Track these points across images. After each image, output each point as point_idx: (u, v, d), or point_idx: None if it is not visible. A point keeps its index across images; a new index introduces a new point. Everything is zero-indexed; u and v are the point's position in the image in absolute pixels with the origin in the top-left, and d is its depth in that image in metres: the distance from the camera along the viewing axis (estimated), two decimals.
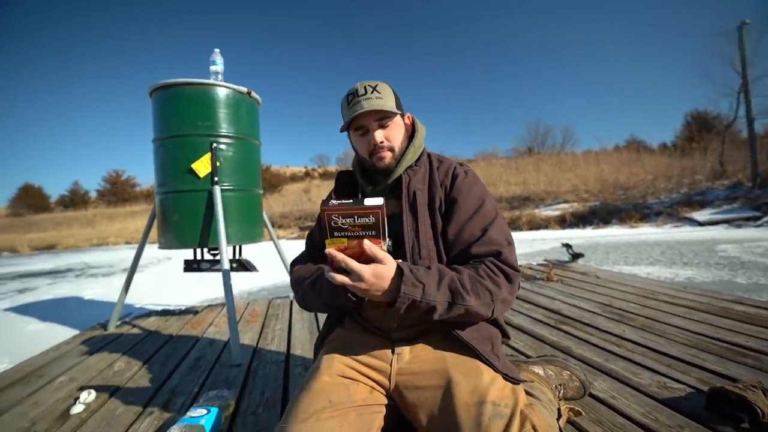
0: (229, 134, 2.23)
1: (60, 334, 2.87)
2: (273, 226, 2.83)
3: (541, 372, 1.16)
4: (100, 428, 1.27)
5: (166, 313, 2.90)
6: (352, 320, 1.05)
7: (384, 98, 0.96)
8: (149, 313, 2.91)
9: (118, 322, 2.60)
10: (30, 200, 35.25)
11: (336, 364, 0.91)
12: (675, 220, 9.48)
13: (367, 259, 0.77)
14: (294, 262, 1.13)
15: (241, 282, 4.95)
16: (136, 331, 2.45)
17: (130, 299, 3.87)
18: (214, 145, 2.17)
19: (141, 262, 3.66)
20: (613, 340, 1.73)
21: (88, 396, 1.47)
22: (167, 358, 1.92)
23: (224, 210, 2.13)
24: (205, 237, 2.18)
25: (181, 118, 2.18)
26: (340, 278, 0.76)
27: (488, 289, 0.84)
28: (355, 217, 0.74)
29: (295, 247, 5.20)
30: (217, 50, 2.30)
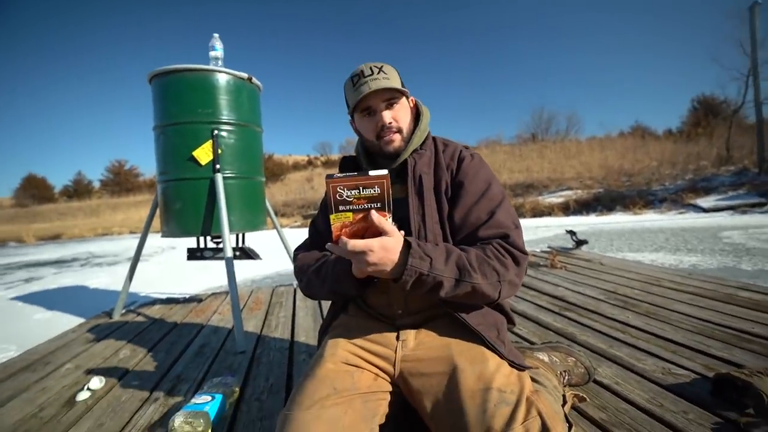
0: (231, 121, 2.21)
1: (66, 322, 2.90)
2: (276, 214, 2.82)
3: (545, 358, 1.15)
4: (106, 414, 1.28)
5: (170, 301, 2.92)
6: (356, 307, 1.04)
7: (391, 78, 0.93)
8: (154, 302, 2.94)
9: (123, 311, 2.62)
10: (34, 191, 35.40)
11: (340, 351, 0.90)
12: (679, 207, 9.41)
13: (374, 233, 0.76)
14: (297, 250, 1.12)
15: (244, 270, 4.97)
16: (140, 319, 2.46)
17: (134, 288, 3.90)
18: (215, 132, 2.14)
19: (145, 251, 3.67)
20: (618, 327, 1.72)
21: (98, 383, 1.48)
22: (172, 345, 1.93)
23: (227, 198, 2.12)
24: (208, 225, 2.18)
25: (181, 105, 2.15)
26: (352, 242, 0.73)
27: (495, 270, 0.83)
28: (361, 188, 0.72)
29: (298, 235, 5.21)
30: (216, 35, 2.26)
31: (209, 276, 4.76)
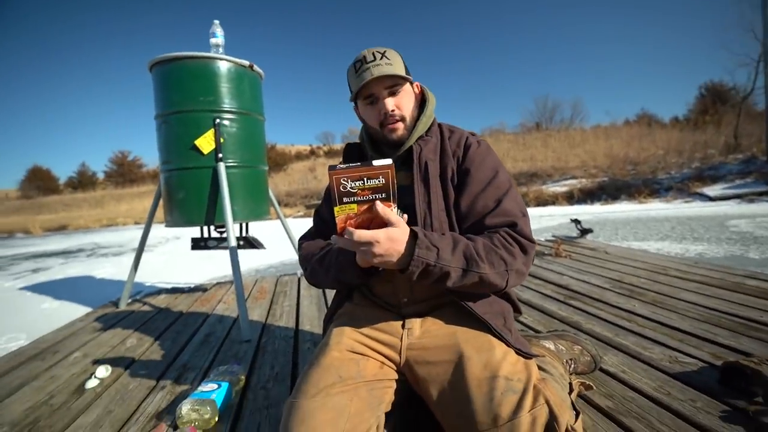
0: (233, 109, 2.19)
1: (73, 311, 2.92)
2: (279, 204, 2.81)
3: (551, 347, 1.15)
4: (114, 402, 1.29)
5: (175, 290, 2.94)
6: (361, 295, 1.04)
7: (393, 64, 0.91)
8: (159, 291, 2.96)
9: (129, 300, 2.64)
10: (39, 182, 35.61)
11: (345, 339, 0.90)
12: (685, 196, 9.33)
13: (379, 224, 0.74)
14: (302, 239, 1.11)
15: (248, 260, 4.99)
16: (146, 308, 2.48)
17: (140, 278, 3.92)
18: (218, 120, 2.12)
19: (150, 241, 3.69)
20: (624, 315, 1.71)
21: (106, 372, 1.49)
22: (178, 334, 1.94)
23: (229, 187, 2.11)
24: (211, 214, 2.17)
25: (182, 93, 2.13)
26: (358, 233, 0.72)
27: (503, 259, 0.82)
28: (365, 179, 0.71)
29: (302, 225, 5.21)
30: (216, 22, 2.22)
31: (213, 265, 4.78)
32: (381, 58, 0.90)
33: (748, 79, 12.14)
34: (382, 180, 0.72)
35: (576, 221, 4.08)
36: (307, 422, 0.72)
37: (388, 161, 0.71)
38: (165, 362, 1.60)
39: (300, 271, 3.32)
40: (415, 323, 0.92)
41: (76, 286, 4.20)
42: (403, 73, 0.92)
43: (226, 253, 2.09)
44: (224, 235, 2.50)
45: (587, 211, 8.62)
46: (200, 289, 2.92)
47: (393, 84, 0.91)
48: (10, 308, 3.44)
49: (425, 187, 0.92)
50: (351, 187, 0.72)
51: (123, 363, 1.62)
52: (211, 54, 2.14)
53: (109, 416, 1.21)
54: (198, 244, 2.59)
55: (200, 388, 1.20)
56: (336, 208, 0.73)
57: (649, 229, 5.54)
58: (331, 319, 1.06)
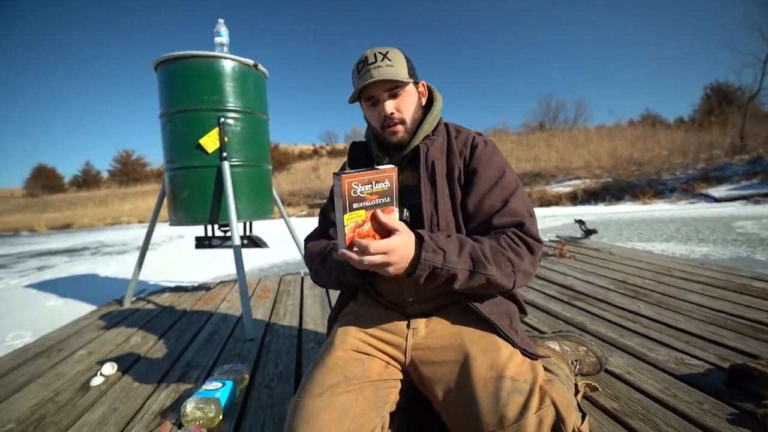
0: (237, 108, 2.19)
1: (78, 309, 2.94)
2: (282, 203, 2.81)
3: (557, 347, 1.14)
4: (119, 399, 1.30)
5: (179, 289, 2.95)
6: (366, 295, 1.03)
7: (395, 66, 0.90)
8: (163, 290, 2.97)
9: (133, 298, 2.65)
10: (44, 181, 35.81)
11: (350, 339, 0.90)
12: (690, 197, 9.27)
13: (384, 232, 0.74)
14: (307, 239, 1.11)
15: (252, 259, 5.00)
16: (150, 306, 2.49)
17: (144, 276, 3.94)
18: (222, 119, 2.13)
19: (154, 240, 3.71)
20: (629, 317, 1.70)
21: (111, 369, 1.50)
22: (182, 332, 1.95)
23: (234, 186, 2.11)
24: (216, 213, 2.18)
25: (187, 92, 2.14)
26: (369, 259, 0.71)
27: (510, 260, 0.82)
28: (373, 183, 0.71)
29: (305, 224, 5.22)
30: (221, 21, 2.23)
31: (217, 264, 4.80)
32: (382, 60, 0.89)
33: (754, 80, 12.08)
34: (387, 183, 0.72)
35: (580, 222, 4.06)
36: (312, 422, 0.72)
37: (391, 165, 0.72)
38: (169, 360, 1.61)
39: (303, 270, 3.32)
40: (420, 323, 0.92)
41: (80, 284, 4.23)
42: (404, 74, 0.91)
43: (230, 252, 2.10)
44: (228, 234, 2.51)
45: (591, 212, 8.58)
46: (204, 287, 2.93)
47: (393, 86, 0.90)
48: (16, 306, 3.47)
49: (432, 187, 0.92)
50: (361, 192, 0.71)
51: (127, 361, 1.62)
52: (216, 53, 2.15)
53: (114, 414, 1.21)
54: (202, 242, 2.60)
55: (204, 387, 1.20)
56: (346, 216, 0.70)
57: (653, 230, 5.50)
58: (335, 319, 1.05)
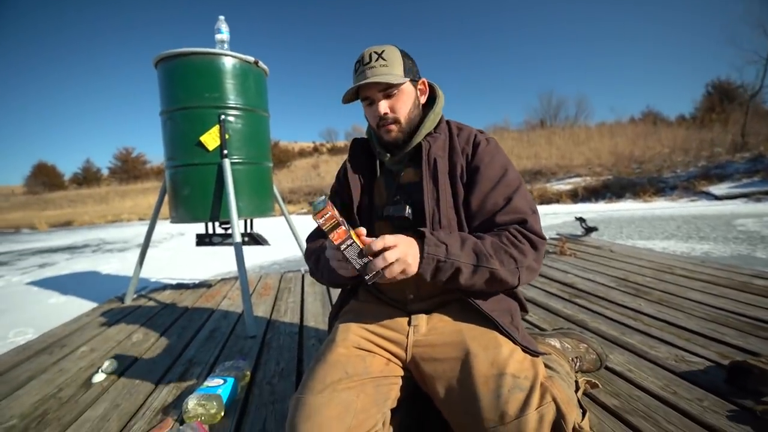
0: (237, 105, 2.19)
1: (79, 306, 2.95)
2: (283, 201, 2.81)
3: (557, 345, 1.14)
4: (121, 396, 1.30)
5: (180, 286, 2.95)
6: (367, 292, 1.04)
7: (390, 65, 0.90)
8: (164, 287, 2.97)
9: (135, 296, 2.65)
10: (45, 178, 35.84)
11: (351, 335, 0.90)
12: (691, 194, 9.26)
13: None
14: (309, 238, 1.13)
15: (253, 256, 5.01)
16: (152, 303, 2.50)
17: (145, 273, 3.95)
18: (222, 117, 2.12)
19: (155, 237, 3.71)
20: (629, 314, 1.71)
21: (110, 365, 1.51)
22: (183, 329, 1.96)
23: (234, 183, 2.11)
24: (216, 211, 2.18)
25: (187, 89, 2.13)
26: (390, 272, 0.73)
27: (512, 256, 0.82)
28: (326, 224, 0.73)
29: (305, 222, 5.22)
30: (221, 17, 2.22)
31: (218, 262, 4.81)
32: (377, 60, 0.89)
33: (756, 77, 12.03)
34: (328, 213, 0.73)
35: (581, 219, 4.06)
36: (313, 418, 0.73)
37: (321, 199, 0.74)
38: (171, 357, 1.61)
39: (304, 268, 3.32)
40: (421, 320, 0.92)
41: (82, 282, 4.23)
42: (399, 73, 0.90)
43: (231, 249, 2.10)
44: (229, 231, 2.51)
45: (591, 210, 8.58)
46: (205, 285, 2.93)
47: (387, 87, 0.90)
48: (18, 303, 3.48)
49: (434, 184, 0.92)
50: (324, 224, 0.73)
51: (129, 357, 1.63)
52: (217, 50, 2.14)
53: (116, 410, 1.22)
54: (203, 240, 2.60)
55: (206, 383, 1.20)
56: (352, 232, 0.75)
57: (654, 227, 5.50)
58: (336, 316, 1.06)
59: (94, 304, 2.73)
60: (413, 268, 0.77)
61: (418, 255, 0.77)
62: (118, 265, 5.27)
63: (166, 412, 1.18)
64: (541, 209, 9.36)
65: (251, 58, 2.24)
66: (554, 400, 0.72)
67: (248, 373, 1.37)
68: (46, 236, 11.62)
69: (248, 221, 2.63)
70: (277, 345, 1.68)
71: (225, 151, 2.12)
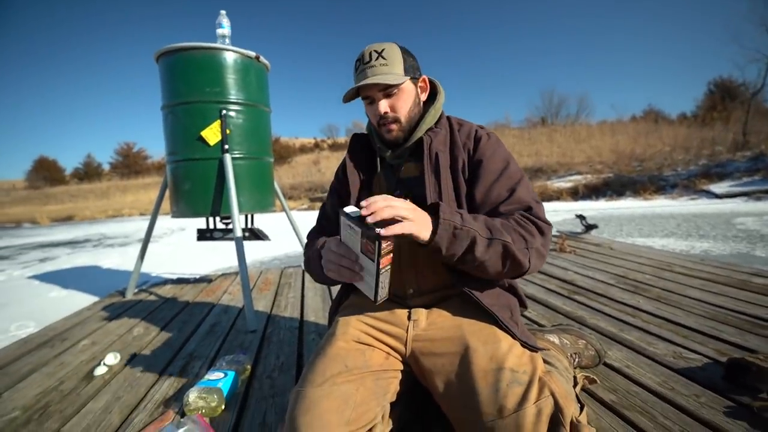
0: (239, 100, 2.18)
1: (81, 300, 2.96)
2: (284, 197, 2.82)
3: (556, 340, 1.15)
4: (122, 389, 1.31)
5: (181, 281, 2.96)
6: None
7: (390, 65, 0.90)
8: (165, 281, 2.98)
9: (136, 290, 2.66)
10: (46, 173, 35.85)
11: (351, 329, 0.91)
12: (691, 193, 9.25)
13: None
14: (309, 235, 1.13)
15: (253, 251, 5.02)
16: (153, 298, 2.51)
17: (146, 268, 3.96)
18: (224, 111, 2.12)
19: (156, 232, 3.74)
20: (628, 311, 1.71)
21: (114, 359, 1.52)
22: (184, 324, 1.97)
23: (235, 178, 2.11)
24: (217, 206, 2.18)
25: (189, 84, 2.13)
26: (394, 230, 0.71)
27: (522, 236, 0.82)
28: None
29: (306, 217, 5.23)
30: (223, 12, 2.21)
31: (219, 256, 4.82)
32: (377, 59, 0.89)
33: (758, 75, 12.00)
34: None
35: (581, 217, 4.06)
36: (312, 411, 0.73)
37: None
38: (172, 351, 1.62)
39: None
40: (421, 314, 0.93)
41: (83, 276, 4.25)
42: (399, 72, 0.90)
43: (232, 244, 2.11)
44: (230, 226, 2.52)
45: (592, 207, 8.58)
46: (206, 279, 2.94)
47: (386, 86, 0.91)
48: (19, 297, 3.49)
49: (436, 178, 0.92)
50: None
51: (130, 351, 1.64)
52: (218, 45, 2.14)
53: (117, 402, 1.23)
54: (204, 235, 2.61)
55: (207, 377, 1.21)
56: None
57: (654, 225, 5.50)
58: (336, 310, 1.07)
59: (95, 298, 2.74)
60: (424, 234, 0.75)
61: (431, 225, 0.77)
62: (119, 259, 5.28)
63: (168, 405, 1.19)
64: None
65: (253, 53, 2.23)
66: (552, 394, 0.73)
67: (248, 367, 1.38)
68: (48, 231, 11.64)
69: (249, 216, 2.64)
70: (278, 339, 1.69)
71: (226, 146, 2.12)
